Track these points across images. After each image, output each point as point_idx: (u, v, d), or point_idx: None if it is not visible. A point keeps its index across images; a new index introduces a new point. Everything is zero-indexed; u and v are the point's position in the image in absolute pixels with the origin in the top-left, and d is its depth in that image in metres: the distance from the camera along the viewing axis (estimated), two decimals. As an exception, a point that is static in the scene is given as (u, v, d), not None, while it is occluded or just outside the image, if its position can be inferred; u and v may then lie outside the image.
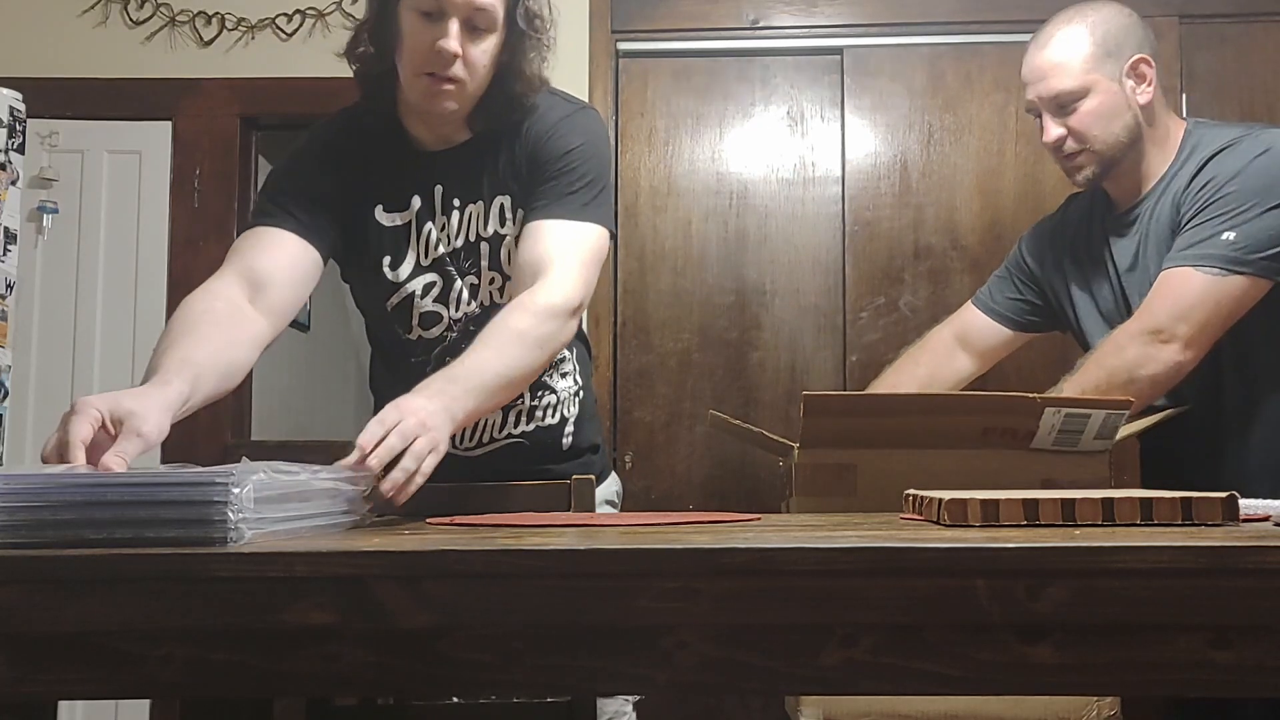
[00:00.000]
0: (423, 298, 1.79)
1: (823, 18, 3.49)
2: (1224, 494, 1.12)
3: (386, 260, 1.79)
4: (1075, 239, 2.09)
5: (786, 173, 3.47)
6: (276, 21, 3.57)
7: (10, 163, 2.64)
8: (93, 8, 3.59)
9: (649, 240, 3.45)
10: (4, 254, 2.65)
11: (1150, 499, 1.12)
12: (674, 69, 3.50)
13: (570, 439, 1.90)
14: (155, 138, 3.58)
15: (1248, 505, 1.24)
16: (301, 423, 4.57)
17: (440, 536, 1.16)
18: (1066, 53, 1.95)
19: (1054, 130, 1.97)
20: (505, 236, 1.76)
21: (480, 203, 1.77)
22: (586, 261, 1.69)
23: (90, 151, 3.59)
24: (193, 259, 3.54)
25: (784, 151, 3.47)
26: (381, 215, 1.79)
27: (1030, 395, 1.68)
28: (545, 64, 1.76)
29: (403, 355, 1.83)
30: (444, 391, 1.46)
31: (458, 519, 1.41)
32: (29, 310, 3.43)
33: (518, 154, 1.76)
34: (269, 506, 1.06)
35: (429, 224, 1.78)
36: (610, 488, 1.99)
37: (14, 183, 2.67)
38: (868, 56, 3.47)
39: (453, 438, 1.63)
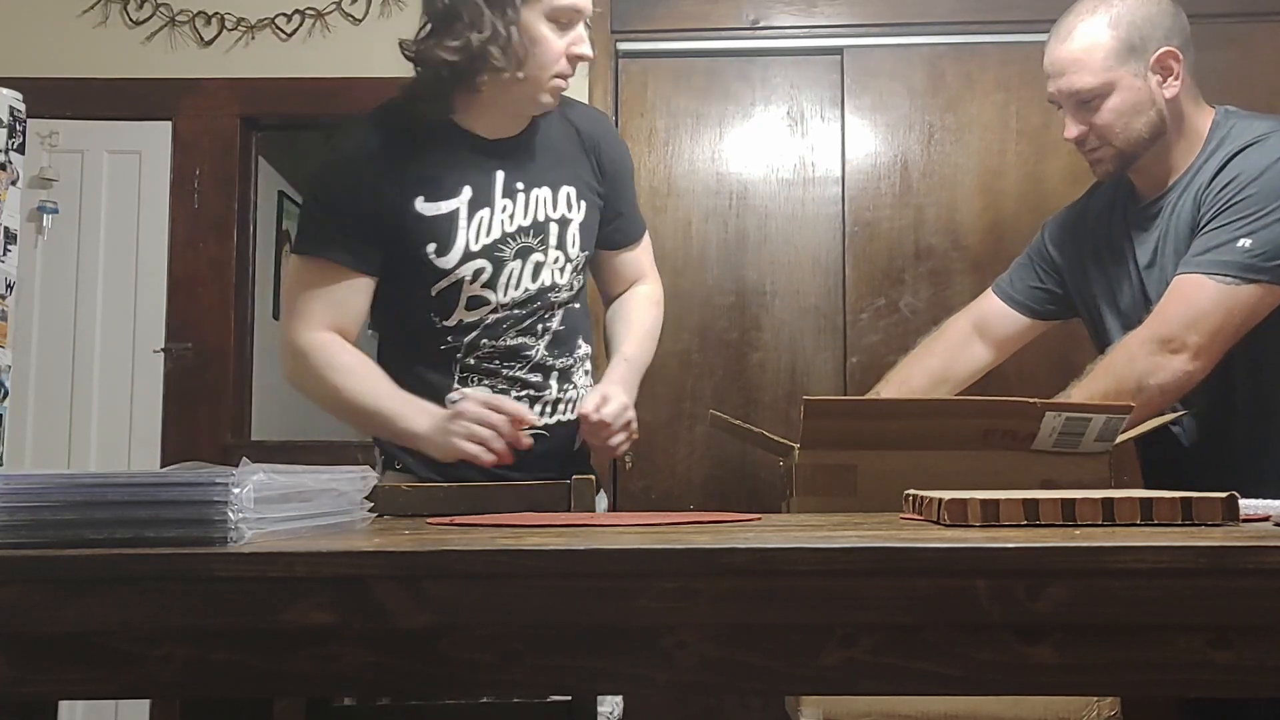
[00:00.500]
0: (472, 282, 1.84)
1: (823, 18, 3.49)
2: (1224, 494, 1.12)
3: (431, 248, 1.83)
4: (1097, 230, 2.04)
5: (786, 173, 3.47)
6: (276, 21, 3.57)
7: (10, 163, 2.64)
8: (93, 8, 3.59)
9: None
10: (4, 254, 2.66)
11: (1150, 499, 1.12)
12: (674, 69, 3.50)
13: (580, 443, 1.93)
14: (155, 138, 3.58)
15: (1248, 505, 1.24)
16: (301, 423, 4.57)
17: (440, 536, 1.16)
18: (1087, 48, 1.87)
19: (1074, 127, 1.92)
20: (571, 221, 1.89)
21: (547, 188, 1.88)
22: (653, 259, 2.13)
23: (90, 151, 3.59)
24: (193, 259, 3.55)
25: (784, 151, 3.47)
26: (422, 206, 1.83)
27: (1031, 400, 1.68)
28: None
29: (432, 341, 1.86)
30: (627, 379, 1.94)
31: (458, 519, 1.41)
32: (29, 310, 3.43)
33: (582, 141, 1.94)
34: (269, 506, 1.06)
35: (485, 210, 1.84)
36: (600, 505, 1.99)
37: (14, 183, 2.67)
38: (868, 56, 3.47)
39: None
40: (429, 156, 1.83)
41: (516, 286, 1.86)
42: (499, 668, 0.96)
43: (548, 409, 1.89)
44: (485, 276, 1.84)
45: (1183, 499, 1.12)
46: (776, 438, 1.84)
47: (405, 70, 1.88)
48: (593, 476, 1.82)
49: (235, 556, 0.96)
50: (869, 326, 3.37)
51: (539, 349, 1.88)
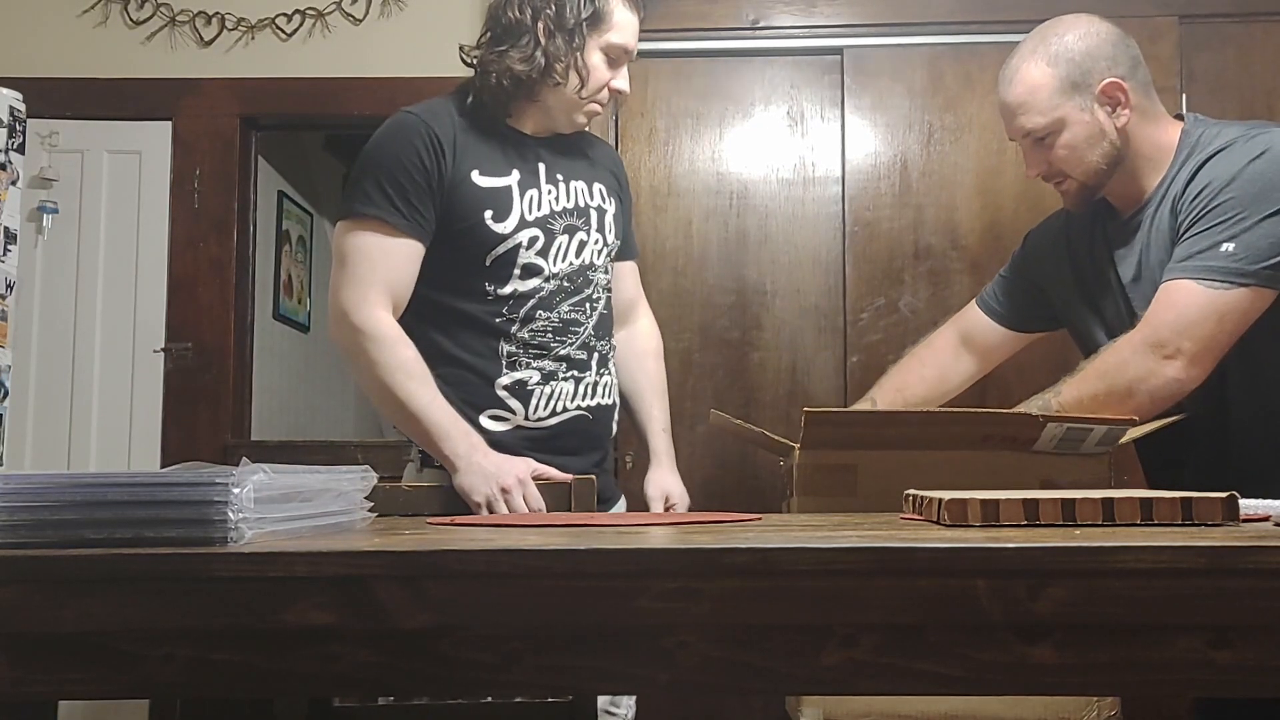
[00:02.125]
0: (527, 249, 1.92)
1: (823, 18, 3.49)
2: (1224, 494, 1.12)
3: (489, 214, 1.90)
4: (1077, 246, 2.05)
5: (786, 173, 3.47)
6: (276, 21, 3.57)
7: (10, 163, 2.64)
8: (93, 8, 3.59)
9: (649, 240, 3.45)
10: (4, 254, 2.66)
11: (1150, 499, 1.12)
12: (674, 69, 3.50)
13: (616, 426, 2.03)
14: (155, 138, 3.57)
15: (1248, 505, 1.24)
16: (301, 423, 4.58)
17: (440, 536, 1.16)
18: (1031, 89, 1.91)
19: (1033, 167, 1.97)
20: (607, 211, 2.05)
21: (583, 181, 2.03)
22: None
23: (90, 151, 3.59)
24: (193, 259, 3.54)
25: (784, 151, 3.47)
26: (478, 178, 1.91)
27: (1034, 414, 1.68)
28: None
29: (486, 315, 1.91)
30: (672, 457, 2.18)
31: (458, 519, 1.42)
32: (29, 310, 3.43)
33: (604, 160, 2.12)
34: (269, 506, 1.06)
35: (532, 189, 1.95)
36: (620, 508, 2.02)
37: (14, 183, 2.67)
38: (868, 56, 3.47)
39: (526, 408, 1.91)
40: (481, 137, 1.95)
41: (564, 259, 1.94)
42: (499, 668, 0.96)
43: (589, 391, 1.95)
44: (539, 245, 1.92)
45: (1183, 499, 1.12)
46: (777, 437, 1.84)
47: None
48: (593, 477, 1.82)
49: (235, 556, 0.96)
50: (869, 326, 3.37)
51: (588, 328, 1.96)
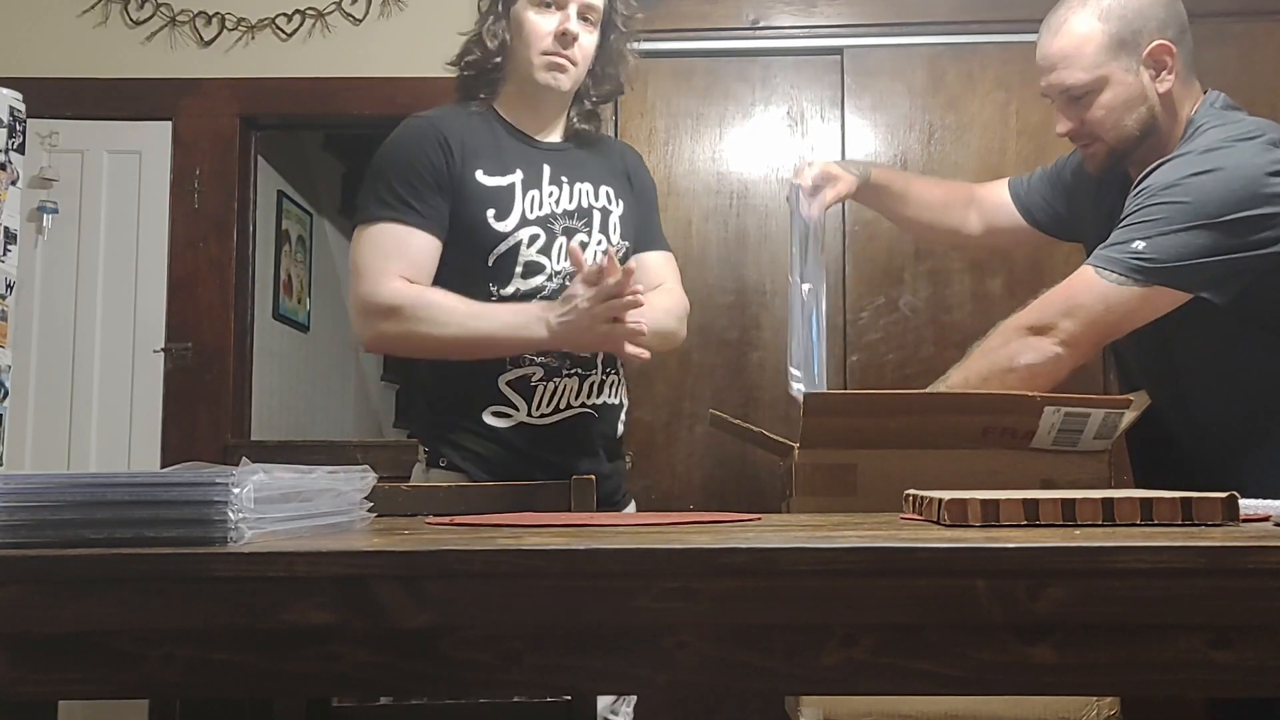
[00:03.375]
0: (528, 247, 1.92)
1: (823, 18, 3.49)
2: (1224, 494, 1.12)
3: (491, 213, 1.91)
4: (1106, 189, 2.00)
5: (786, 173, 3.45)
6: (276, 21, 3.57)
7: (10, 163, 2.65)
8: (93, 8, 3.59)
9: (649, 240, 3.45)
10: (4, 254, 2.66)
11: (1150, 499, 1.12)
12: (674, 69, 3.50)
13: (622, 427, 2.01)
14: (155, 138, 3.58)
15: (1248, 505, 1.24)
16: (301, 423, 4.57)
17: (440, 536, 1.16)
18: (1077, 43, 1.83)
19: (1064, 123, 1.91)
20: (612, 213, 2.03)
21: (589, 183, 2.01)
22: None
23: (90, 151, 3.59)
24: (193, 259, 3.55)
25: (784, 151, 3.47)
26: (482, 177, 1.93)
27: (1030, 394, 1.68)
28: (624, 70, 2.08)
29: None
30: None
31: (458, 519, 1.42)
32: (29, 310, 3.43)
33: (617, 162, 2.10)
34: (269, 506, 1.06)
35: (534, 190, 1.95)
36: (630, 510, 2.01)
37: (14, 183, 2.67)
38: (868, 56, 3.47)
39: (529, 404, 1.90)
40: (486, 139, 1.96)
41: (565, 258, 1.93)
42: (499, 668, 0.96)
43: (594, 389, 1.95)
44: (540, 243, 1.92)
45: (1183, 499, 1.12)
46: (776, 437, 1.84)
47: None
48: (593, 477, 1.82)
49: (235, 556, 0.96)
50: (869, 326, 3.37)
51: None
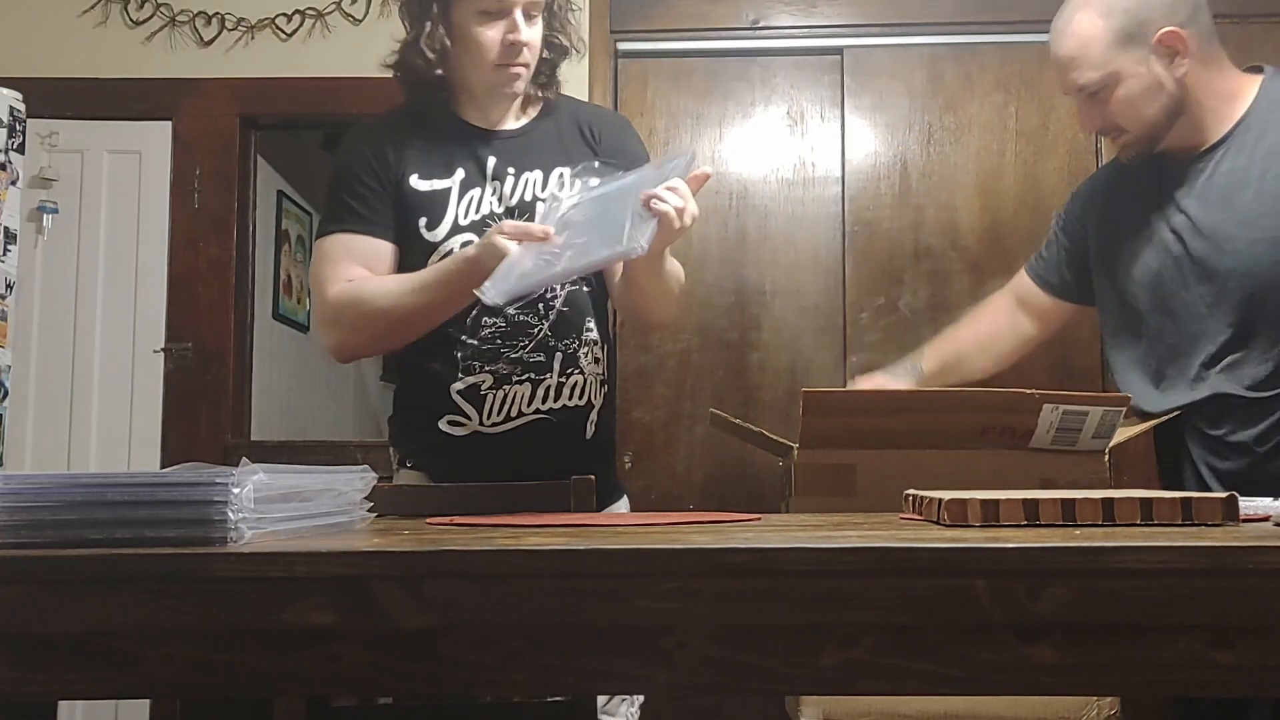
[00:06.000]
0: None
1: (823, 18, 3.49)
2: (1224, 494, 1.12)
3: (423, 222, 1.87)
4: (1121, 197, 1.98)
5: (786, 173, 3.47)
6: (276, 21, 3.57)
7: (10, 163, 2.65)
8: (93, 8, 3.59)
9: (649, 240, 3.45)
10: (4, 254, 2.66)
11: (1150, 499, 1.12)
12: (674, 69, 3.50)
13: (594, 428, 1.92)
14: (155, 138, 3.58)
15: (1248, 505, 1.24)
16: (301, 423, 4.57)
17: (440, 536, 1.16)
18: (1084, 42, 1.84)
19: (1088, 121, 1.91)
20: (563, 201, 1.89)
21: (539, 171, 1.91)
22: None
23: (90, 151, 3.59)
24: (193, 259, 3.55)
25: (784, 151, 3.47)
26: (416, 182, 1.88)
27: (1028, 391, 1.68)
28: (573, 33, 1.98)
29: (434, 329, 1.87)
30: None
31: (457, 519, 1.41)
32: (29, 310, 3.43)
33: (574, 132, 1.96)
34: (269, 506, 1.06)
35: (475, 189, 1.89)
36: (620, 508, 1.99)
37: (14, 183, 2.67)
38: (868, 56, 3.47)
39: (480, 414, 1.85)
40: (429, 141, 1.91)
41: None
42: (499, 668, 0.96)
43: (550, 393, 1.87)
44: None
45: (1183, 499, 1.12)
46: (776, 437, 1.84)
47: None
48: (593, 477, 1.82)
49: (235, 556, 0.96)
50: (869, 326, 3.37)
51: (543, 329, 1.87)
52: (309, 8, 3.56)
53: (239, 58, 3.58)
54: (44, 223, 3.52)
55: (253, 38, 3.58)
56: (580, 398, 1.89)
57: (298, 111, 3.64)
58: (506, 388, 1.85)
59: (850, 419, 1.70)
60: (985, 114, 3.40)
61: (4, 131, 2.62)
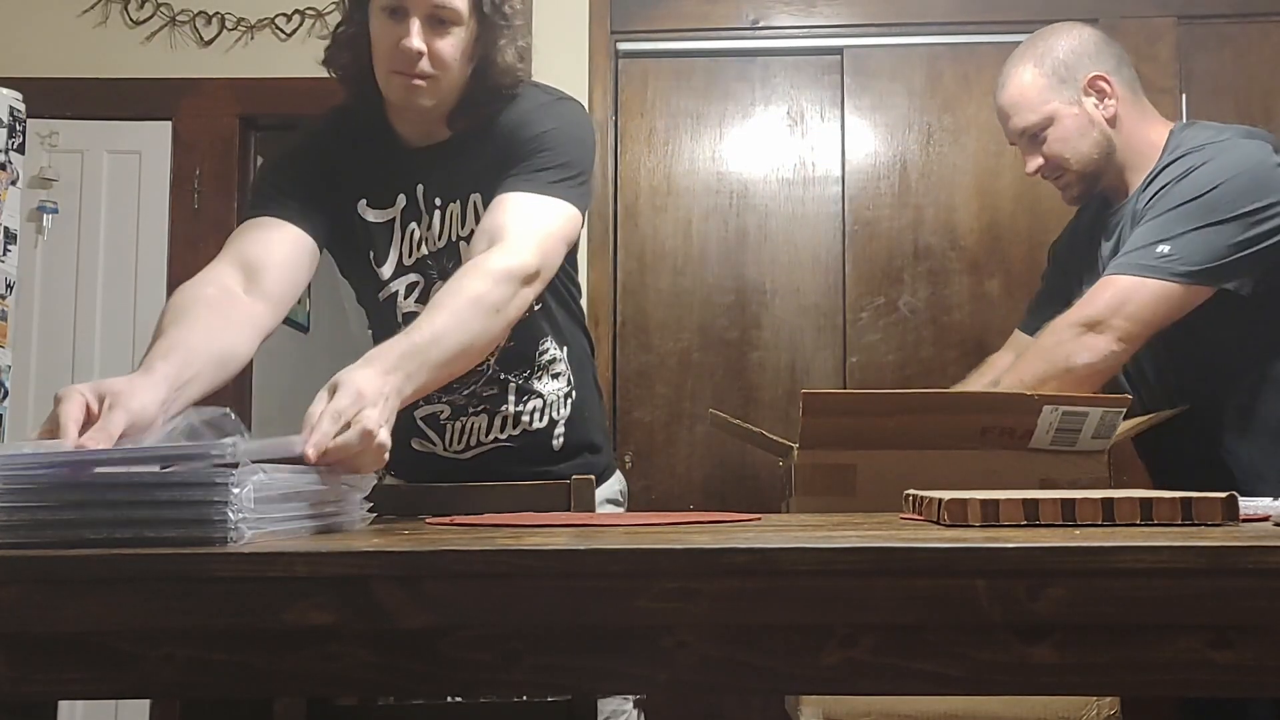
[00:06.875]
0: (405, 298, 1.81)
1: (823, 18, 3.49)
2: (1224, 494, 1.12)
3: (372, 255, 1.81)
4: (1079, 245, 2.14)
5: (786, 172, 3.47)
6: (276, 21, 3.57)
7: (10, 163, 2.64)
8: (93, 8, 3.59)
9: (649, 240, 3.45)
10: (4, 254, 2.66)
11: (1150, 499, 1.12)
12: (674, 69, 3.50)
13: (561, 440, 1.88)
14: (155, 138, 3.58)
15: (1248, 505, 1.24)
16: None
17: (440, 536, 1.16)
18: (1022, 89, 2.06)
19: (1031, 162, 2.08)
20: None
21: (458, 201, 1.77)
22: (548, 233, 1.64)
23: (90, 151, 3.59)
24: (193, 259, 3.53)
25: (784, 151, 3.47)
26: (366, 211, 1.80)
27: (1028, 391, 1.69)
28: (522, 52, 1.75)
29: None
30: (399, 368, 1.40)
31: (457, 519, 1.41)
32: (29, 310, 3.43)
33: (494, 146, 1.73)
34: (269, 506, 1.06)
35: (413, 223, 1.79)
36: (613, 487, 1.98)
37: (14, 183, 2.67)
38: (867, 56, 3.47)
39: (442, 440, 1.79)
40: (371, 162, 1.80)
41: None
42: (499, 668, 0.96)
43: (508, 423, 1.84)
44: (418, 291, 1.80)
45: (1183, 499, 1.12)
46: (776, 438, 1.84)
47: None
48: (592, 477, 1.81)
49: (235, 556, 0.96)
50: (869, 326, 3.37)
51: (490, 364, 1.79)
52: (309, 8, 3.56)
53: (239, 58, 3.58)
54: (44, 223, 3.52)
55: (252, 38, 3.58)
56: (541, 420, 1.86)
57: (297, 111, 3.62)
58: (464, 419, 1.84)
59: (850, 419, 1.70)
60: (985, 114, 3.40)
61: (4, 131, 2.61)
